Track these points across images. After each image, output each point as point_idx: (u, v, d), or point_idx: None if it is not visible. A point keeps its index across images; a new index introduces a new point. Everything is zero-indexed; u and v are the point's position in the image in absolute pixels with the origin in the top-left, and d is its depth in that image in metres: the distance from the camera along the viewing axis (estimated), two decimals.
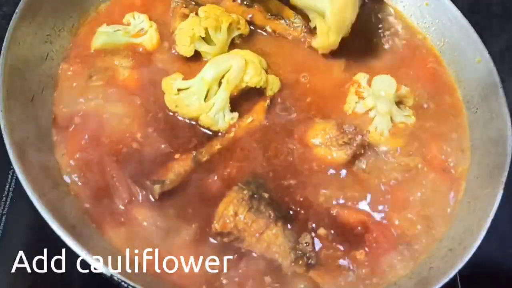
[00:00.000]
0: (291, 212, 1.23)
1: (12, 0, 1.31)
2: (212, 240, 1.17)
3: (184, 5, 1.47)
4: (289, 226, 1.20)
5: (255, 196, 1.17)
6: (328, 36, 1.38)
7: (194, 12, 1.44)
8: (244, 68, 1.31)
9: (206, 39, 1.39)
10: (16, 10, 1.29)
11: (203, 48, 1.40)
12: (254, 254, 1.16)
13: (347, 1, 1.33)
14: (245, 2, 1.51)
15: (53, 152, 1.24)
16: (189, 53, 1.39)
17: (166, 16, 1.50)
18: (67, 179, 1.21)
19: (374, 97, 1.39)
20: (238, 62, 1.31)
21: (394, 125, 1.40)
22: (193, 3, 1.50)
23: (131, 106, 1.32)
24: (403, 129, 1.40)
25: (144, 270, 1.13)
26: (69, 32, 1.44)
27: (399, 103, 1.42)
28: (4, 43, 1.23)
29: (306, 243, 1.17)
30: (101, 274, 1.03)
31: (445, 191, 1.35)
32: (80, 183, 1.21)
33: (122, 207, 1.19)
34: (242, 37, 1.48)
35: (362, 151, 1.32)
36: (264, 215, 1.15)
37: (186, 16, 1.44)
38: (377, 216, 1.27)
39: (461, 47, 1.56)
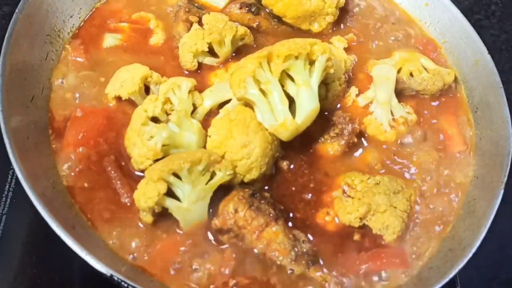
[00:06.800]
0: (291, 214, 1.24)
1: (12, 0, 1.31)
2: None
3: (187, 9, 1.47)
4: (290, 224, 1.21)
5: (256, 195, 1.18)
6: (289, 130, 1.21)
7: (197, 16, 1.45)
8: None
9: (210, 50, 1.39)
10: (16, 10, 1.29)
11: (206, 61, 1.41)
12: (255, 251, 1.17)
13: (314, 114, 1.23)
14: (252, 10, 1.51)
15: (53, 152, 1.24)
16: (192, 68, 1.39)
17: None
18: (66, 178, 1.21)
19: (374, 85, 1.40)
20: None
21: (394, 119, 1.40)
22: (196, 7, 1.51)
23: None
24: (403, 124, 1.40)
25: (144, 270, 1.13)
26: (69, 32, 1.44)
27: (400, 100, 1.43)
28: (4, 43, 1.23)
29: (303, 241, 1.17)
30: (101, 274, 1.03)
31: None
32: (79, 183, 1.21)
33: (126, 204, 1.19)
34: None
35: (355, 140, 1.32)
36: (265, 213, 1.15)
37: (188, 21, 1.44)
38: None
39: (461, 47, 1.56)
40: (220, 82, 1.37)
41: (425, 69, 1.48)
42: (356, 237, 1.23)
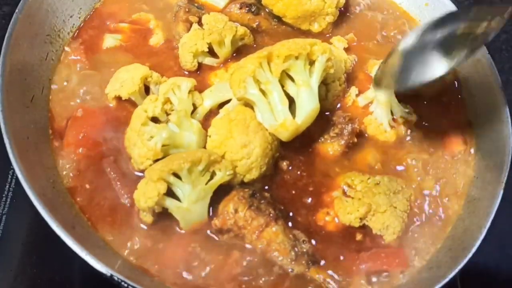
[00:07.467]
0: (291, 214, 1.24)
1: (12, 0, 1.31)
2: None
3: (187, 9, 1.47)
4: (290, 224, 1.21)
5: (256, 195, 1.18)
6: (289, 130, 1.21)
7: (197, 16, 1.45)
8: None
9: (210, 50, 1.38)
10: (16, 10, 1.29)
11: (206, 61, 1.41)
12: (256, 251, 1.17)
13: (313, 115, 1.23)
14: (252, 10, 1.51)
15: (53, 152, 1.24)
16: (192, 68, 1.39)
17: None
18: (66, 178, 1.21)
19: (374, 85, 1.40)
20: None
21: (394, 120, 1.40)
22: (196, 7, 1.51)
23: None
24: (403, 124, 1.40)
25: (144, 270, 1.13)
26: (69, 33, 1.44)
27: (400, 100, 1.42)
28: (4, 43, 1.23)
29: (303, 241, 1.17)
30: (101, 274, 1.03)
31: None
32: (80, 183, 1.21)
33: (125, 205, 1.19)
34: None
35: (355, 140, 1.32)
36: (264, 213, 1.16)
37: (188, 21, 1.44)
38: None
39: None
40: (220, 82, 1.37)
41: None
42: (358, 237, 1.23)
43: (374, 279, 1.19)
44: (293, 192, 1.27)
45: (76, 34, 1.45)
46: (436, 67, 1.19)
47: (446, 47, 1.20)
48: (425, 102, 1.47)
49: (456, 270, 1.15)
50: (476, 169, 1.38)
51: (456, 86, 1.53)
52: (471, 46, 1.18)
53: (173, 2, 1.53)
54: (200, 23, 1.43)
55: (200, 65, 1.40)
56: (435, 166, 1.37)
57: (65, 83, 1.35)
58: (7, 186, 1.45)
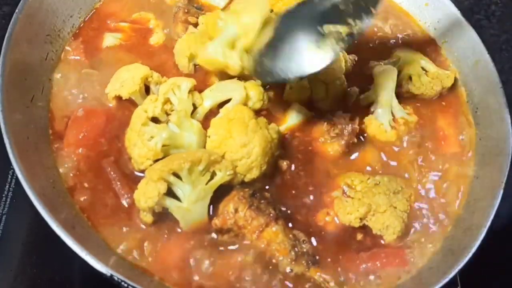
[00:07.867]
0: (291, 214, 1.24)
1: (12, 0, 1.30)
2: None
3: (186, 10, 1.47)
4: (290, 224, 1.21)
5: (256, 194, 1.18)
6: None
7: (196, 17, 1.45)
8: (244, 100, 1.28)
9: None
10: (16, 10, 1.29)
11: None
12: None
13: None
14: None
15: (53, 152, 1.24)
16: (190, 72, 1.39)
17: None
18: (66, 178, 1.21)
19: (375, 86, 1.41)
20: (238, 95, 1.28)
21: (395, 120, 1.40)
22: (195, 7, 1.51)
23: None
24: (403, 125, 1.40)
25: (144, 270, 1.13)
26: (69, 32, 1.44)
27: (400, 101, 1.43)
28: (4, 43, 1.23)
29: (303, 241, 1.18)
30: (101, 274, 1.03)
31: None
32: (79, 183, 1.21)
33: (125, 205, 1.19)
34: None
35: (355, 140, 1.32)
36: (265, 213, 1.16)
37: (187, 22, 1.44)
38: None
39: (461, 47, 1.56)
40: (219, 82, 1.37)
41: (425, 71, 1.47)
42: (358, 237, 1.23)
43: (374, 279, 1.19)
44: (293, 192, 1.27)
45: (76, 33, 1.45)
46: (308, 61, 1.14)
47: (318, 38, 1.14)
48: (425, 103, 1.47)
49: (456, 270, 1.15)
50: (476, 169, 1.38)
51: (456, 86, 1.53)
52: (343, 41, 1.13)
53: (173, 2, 1.53)
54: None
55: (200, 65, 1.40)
56: (435, 166, 1.37)
57: (65, 83, 1.35)
58: (7, 186, 1.45)
